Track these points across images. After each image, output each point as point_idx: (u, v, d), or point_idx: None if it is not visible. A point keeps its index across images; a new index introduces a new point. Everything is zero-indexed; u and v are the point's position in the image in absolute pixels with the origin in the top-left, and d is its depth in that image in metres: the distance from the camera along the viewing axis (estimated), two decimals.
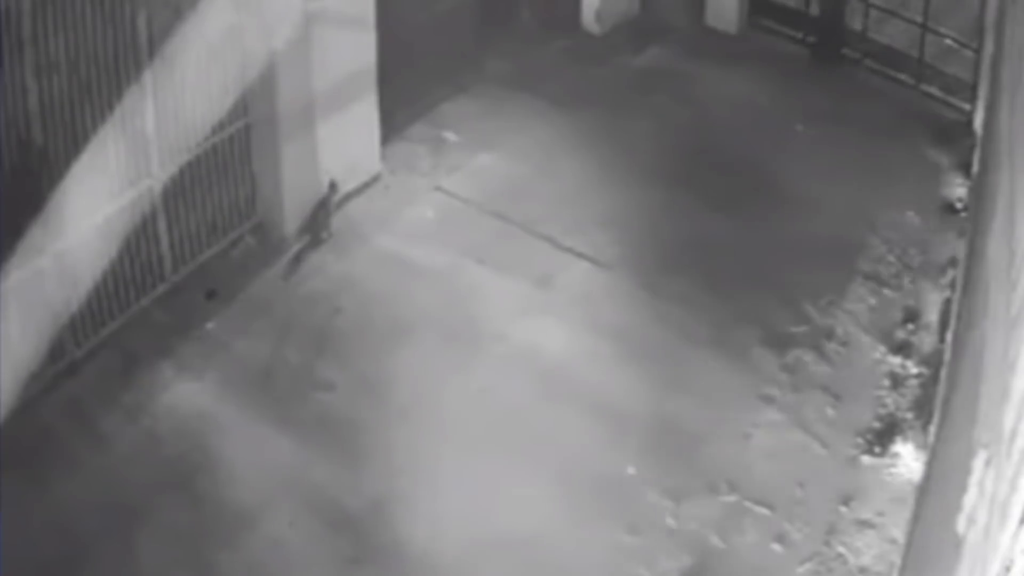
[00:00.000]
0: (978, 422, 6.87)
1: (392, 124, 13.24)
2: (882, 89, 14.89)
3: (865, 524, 10.02)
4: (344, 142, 12.40)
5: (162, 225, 11.32)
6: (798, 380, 11.24)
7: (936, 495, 8.55)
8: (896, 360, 11.48)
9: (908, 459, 10.55)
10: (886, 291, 12.21)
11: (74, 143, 10.23)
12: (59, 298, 10.43)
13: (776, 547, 9.86)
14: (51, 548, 9.38)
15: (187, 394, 10.74)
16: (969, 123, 14.09)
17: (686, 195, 13.08)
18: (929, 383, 11.08)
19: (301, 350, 11.24)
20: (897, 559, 9.55)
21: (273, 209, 12.22)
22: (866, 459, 10.58)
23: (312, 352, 11.22)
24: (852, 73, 15.18)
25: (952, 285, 11.93)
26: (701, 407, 10.91)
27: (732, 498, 10.20)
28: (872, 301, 12.08)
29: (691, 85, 14.83)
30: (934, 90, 14.68)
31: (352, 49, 12.33)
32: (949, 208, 13.20)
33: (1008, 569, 4.58)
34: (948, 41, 14.58)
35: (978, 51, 13.99)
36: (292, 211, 12.21)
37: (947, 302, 11.84)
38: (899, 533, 9.74)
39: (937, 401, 10.56)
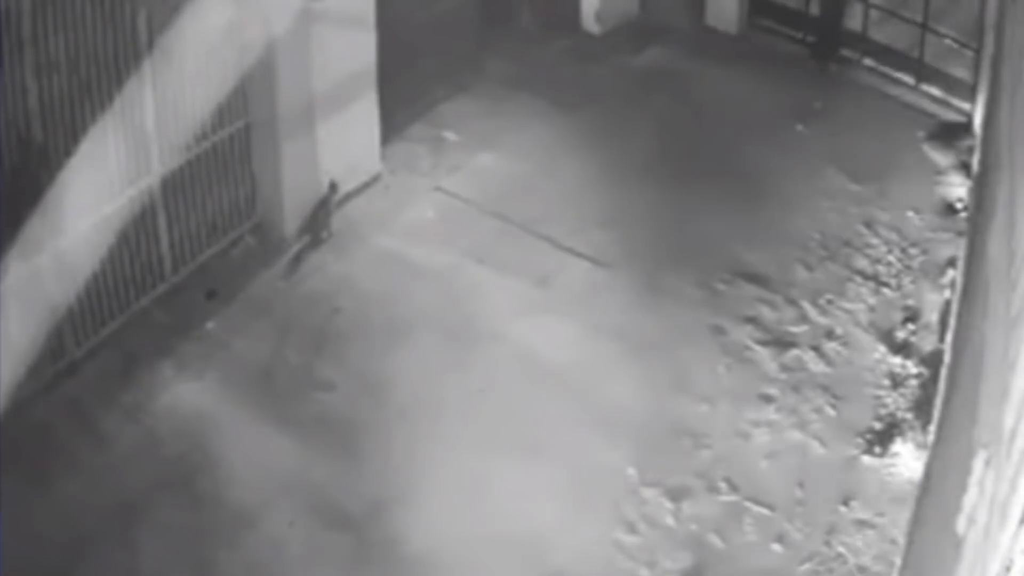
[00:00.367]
0: (978, 422, 6.87)
1: (392, 124, 13.24)
2: (882, 89, 14.89)
3: (865, 524, 10.02)
4: (344, 142, 12.40)
5: (162, 224, 11.32)
6: (798, 380, 11.24)
7: (936, 495, 8.55)
8: (896, 360, 11.48)
9: (908, 459, 10.54)
10: (886, 291, 12.21)
11: (74, 142, 10.23)
12: (59, 297, 10.42)
13: (776, 547, 9.86)
14: (51, 548, 9.37)
15: (187, 394, 10.74)
16: (969, 123, 14.08)
17: (686, 195, 13.08)
18: (929, 383, 11.07)
19: (301, 350, 11.24)
20: (897, 559, 9.55)
21: (273, 209, 12.22)
22: (866, 459, 10.58)
23: (312, 352, 11.22)
24: (852, 73, 15.18)
25: (952, 285, 11.92)
26: (701, 407, 10.91)
27: (732, 498, 10.20)
28: (872, 301, 12.08)
29: (691, 85, 14.83)
30: (934, 90, 14.68)
31: (352, 49, 12.33)
32: (949, 208, 13.20)
33: (1008, 569, 4.58)
34: (948, 41, 14.58)
35: (978, 51, 13.99)
36: (292, 211, 12.21)
37: (947, 302, 11.84)
38: (899, 533, 9.74)
39: (937, 401, 10.55)
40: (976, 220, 11.28)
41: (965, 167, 13.54)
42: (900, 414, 10.94)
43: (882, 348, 11.59)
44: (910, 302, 12.09)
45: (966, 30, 14.30)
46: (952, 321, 11.22)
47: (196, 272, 11.73)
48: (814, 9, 15.54)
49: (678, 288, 12.01)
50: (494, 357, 11.25)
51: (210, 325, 11.38)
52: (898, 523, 9.85)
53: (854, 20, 15.19)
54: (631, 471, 10.36)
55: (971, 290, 9.90)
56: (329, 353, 11.22)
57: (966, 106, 14.26)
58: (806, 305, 11.95)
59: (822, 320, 11.83)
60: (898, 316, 11.93)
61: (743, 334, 11.62)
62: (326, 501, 9.99)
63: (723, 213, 12.87)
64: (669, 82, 14.85)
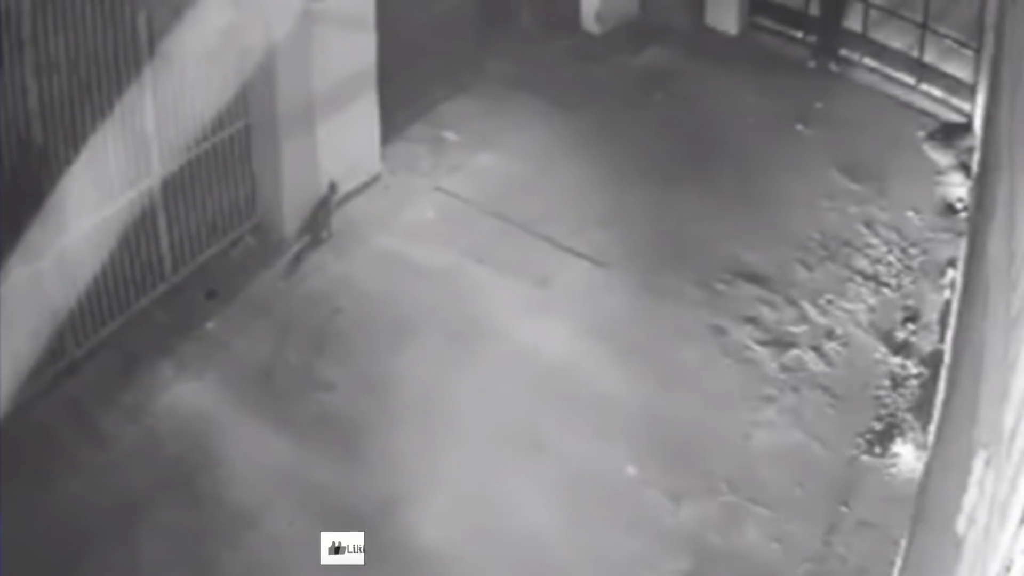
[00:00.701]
0: (978, 422, 6.87)
1: (392, 124, 13.24)
2: (882, 89, 14.89)
3: (865, 524, 10.02)
4: (344, 142, 12.40)
5: (162, 225, 11.32)
6: (798, 380, 11.24)
7: (936, 495, 8.55)
8: (896, 360, 11.48)
9: (908, 459, 10.55)
10: (886, 291, 12.21)
11: (74, 143, 10.23)
12: (59, 298, 10.42)
13: (776, 547, 9.86)
14: (51, 548, 9.37)
15: (187, 394, 10.74)
16: (969, 123, 14.09)
17: (686, 195, 13.08)
18: (929, 383, 11.07)
19: (301, 350, 11.24)
20: (897, 559, 9.55)
21: (273, 209, 12.21)
22: (866, 459, 10.58)
23: (312, 352, 11.22)
24: (852, 73, 15.18)
25: (952, 285, 11.92)
26: (701, 407, 10.91)
27: (732, 498, 10.20)
28: (872, 301, 12.08)
29: (691, 85, 14.83)
30: (934, 90, 14.68)
31: (352, 49, 12.33)
32: (949, 208, 13.21)
33: (1008, 569, 4.58)
34: (948, 41, 14.58)
35: (978, 51, 13.99)
36: (292, 211, 12.21)
37: (947, 302, 11.84)
38: (899, 533, 9.73)
39: (937, 401, 10.55)
40: (976, 220, 11.28)
41: (965, 167, 13.55)
42: (900, 414, 10.94)
43: (882, 348, 11.60)
44: (910, 302, 12.10)
45: (966, 30, 14.30)
46: (952, 321, 11.22)
47: (196, 272, 11.73)
48: (814, 9, 15.54)
49: (678, 288, 12.01)
50: (494, 357, 11.26)
51: (210, 325, 11.38)
52: (898, 523, 9.84)
53: (854, 20, 15.20)
54: (631, 471, 10.36)
55: (971, 290, 9.90)
56: (329, 353, 11.22)
57: (966, 106, 14.26)
58: (806, 305, 11.96)
59: (822, 320, 11.83)
60: (898, 316, 11.93)
61: (743, 334, 11.62)
62: (326, 501, 9.99)
63: (723, 213, 12.87)
64: (669, 82, 14.85)
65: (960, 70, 14.46)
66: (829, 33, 15.40)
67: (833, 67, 15.33)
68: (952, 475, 7.28)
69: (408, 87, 13.52)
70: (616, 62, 15.16)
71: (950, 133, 14.14)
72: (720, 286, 12.09)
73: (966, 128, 14.07)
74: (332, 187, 12.29)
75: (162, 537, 9.63)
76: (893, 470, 10.50)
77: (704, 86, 14.81)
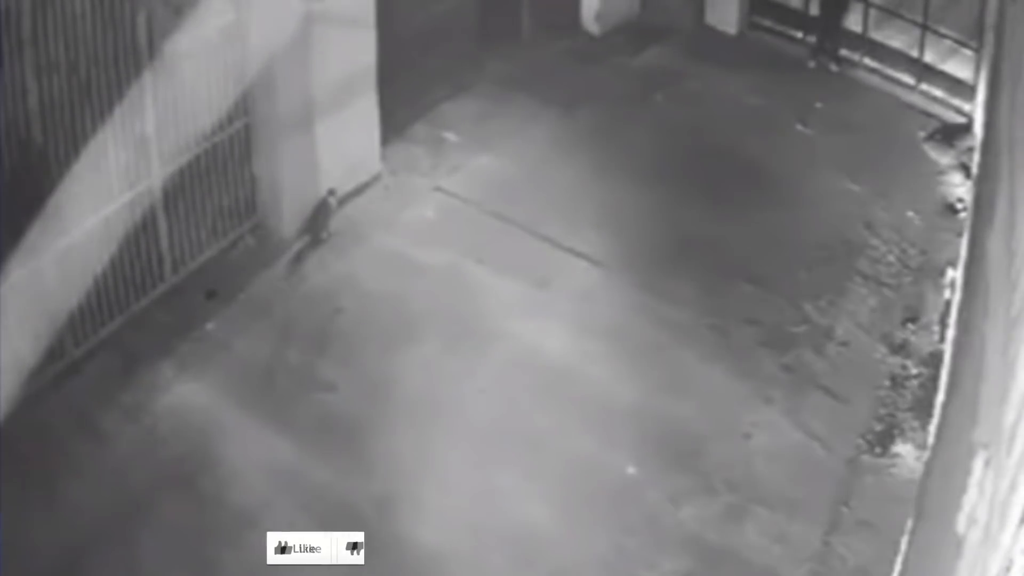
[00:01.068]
0: (978, 422, 6.87)
1: (392, 124, 13.24)
2: (882, 89, 14.90)
3: (865, 524, 10.02)
4: (344, 142, 12.40)
5: (162, 225, 11.32)
6: (798, 380, 11.24)
7: (936, 495, 8.55)
8: (896, 360, 11.48)
9: (908, 459, 10.55)
10: (886, 291, 12.21)
11: (74, 143, 10.23)
12: (59, 298, 10.42)
13: (776, 547, 9.85)
14: (52, 548, 9.37)
15: (187, 394, 10.74)
16: (969, 123, 14.09)
17: (685, 195, 13.09)
18: (929, 383, 11.07)
19: (301, 350, 11.24)
20: (897, 559, 9.55)
21: (273, 209, 12.22)
22: (866, 459, 10.58)
23: (312, 352, 11.22)
24: (852, 73, 15.19)
25: (952, 285, 11.92)
26: (701, 407, 10.91)
27: (732, 498, 10.20)
28: (872, 301, 12.08)
29: (691, 85, 14.84)
30: (934, 90, 14.69)
31: (352, 49, 12.33)
32: (949, 208, 13.21)
33: (1008, 569, 4.58)
34: (948, 41, 14.58)
35: (978, 51, 14.00)
36: (292, 211, 12.22)
37: (947, 302, 11.84)
38: (899, 533, 9.73)
39: (937, 401, 10.55)
40: (976, 220, 11.28)
41: (965, 167, 13.55)
42: (900, 414, 10.94)
43: (882, 348, 11.60)
44: (910, 302, 12.10)
45: (966, 30, 14.32)
46: (952, 321, 11.22)
47: (196, 273, 11.73)
48: (814, 9, 15.55)
49: (678, 288, 12.00)
50: (494, 357, 11.26)
51: (210, 325, 11.38)
52: (898, 523, 9.84)
53: (854, 20, 15.20)
54: (631, 471, 10.36)
55: (971, 290, 9.90)
56: (330, 353, 11.22)
57: (966, 106, 14.27)
58: (806, 305, 11.96)
59: (822, 320, 11.83)
60: (898, 316, 11.93)
61: (743, 335, 11.62)
62: (327, 501, 9.99)
63: (723, 213, 12.87)
64: (669, 82, 14.86)
65: (960, 70, 14.47)
66: (829, 33, 15.41)
67: (833, 67, 15.35)
68: (952, 475, 7.28)
69: (408, 87, 13.52)
70: (616, 62, 15.17)
71: (950, 133, 14.15)
72: (720, 286, 12.09)
73: (966, 128, 14.08)
74: (332, 188, 12.28)
75: (162, 537, 9.63)
76: (893, 470, 10.50)
77: (704, 86, 14.81)
